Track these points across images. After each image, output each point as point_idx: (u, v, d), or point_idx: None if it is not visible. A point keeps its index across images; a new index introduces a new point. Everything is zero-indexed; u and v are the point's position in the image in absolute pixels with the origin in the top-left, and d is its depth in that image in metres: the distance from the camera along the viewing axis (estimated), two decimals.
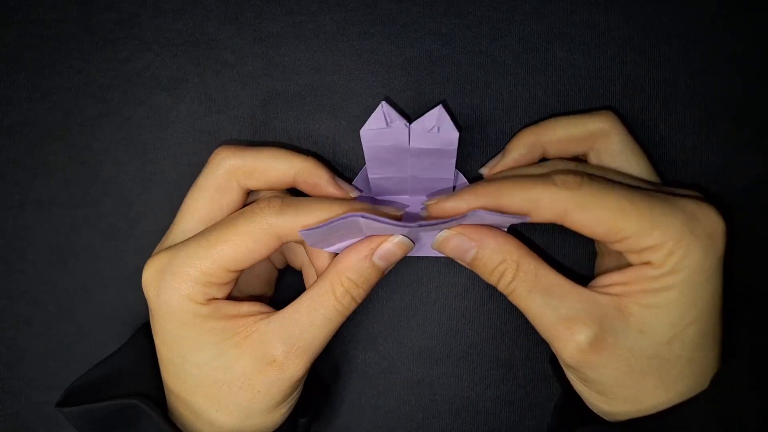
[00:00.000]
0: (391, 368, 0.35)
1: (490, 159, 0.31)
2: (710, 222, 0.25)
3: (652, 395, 0.26)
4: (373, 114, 0.29)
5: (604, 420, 0.28)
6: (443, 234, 0.27)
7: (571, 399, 0.30)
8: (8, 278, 0.35)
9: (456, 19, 0.32)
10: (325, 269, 0.28)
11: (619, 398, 0.26)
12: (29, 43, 0.34)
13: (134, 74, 0.34)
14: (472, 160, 0.33)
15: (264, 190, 0.30)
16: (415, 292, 0.34)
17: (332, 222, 0.26)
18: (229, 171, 0.28)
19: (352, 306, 0.28)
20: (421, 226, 0.26)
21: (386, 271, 0.28)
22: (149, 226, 0.34)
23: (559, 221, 0.26)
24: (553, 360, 0.33)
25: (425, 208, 0.28)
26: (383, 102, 0.29)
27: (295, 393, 0.29)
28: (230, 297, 0.28)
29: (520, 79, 0.32)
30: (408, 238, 0.28)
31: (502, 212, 0.26)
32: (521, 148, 0.29)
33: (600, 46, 0.32)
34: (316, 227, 0.26)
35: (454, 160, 0.30)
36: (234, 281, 0.28)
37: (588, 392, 0.27)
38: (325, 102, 0.33)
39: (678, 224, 0.25)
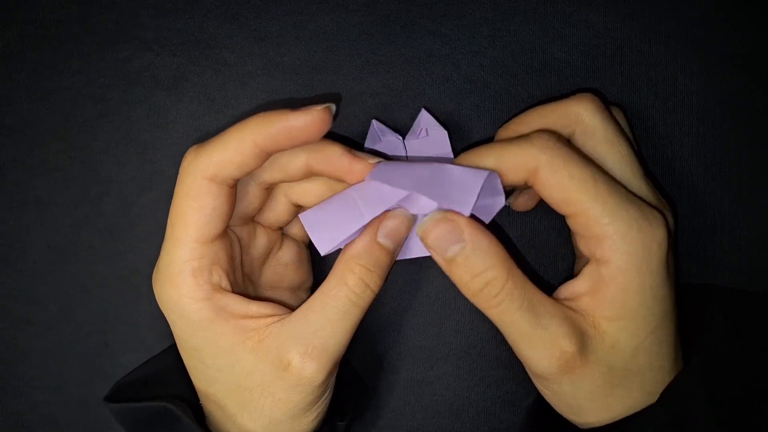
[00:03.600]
0: (391, 368, 0.35)
1: None
2: (654, 228, 0.25)
3: (619, 405, 0.26)
4: (367, 135, 0.30)
5: (575, 428, 0.28)
6: (433, 217, 0.26)
7: (546, 405, 0.30)
8: (8, 278, 0.35)
9: (455, 19, 0.32)
10: (335, 264, 0.27)
11: (588, 410, 0.26)
12: (29, 43, 0.34)
13: (134, 74, 0.34)
14: None
15: (245, 175, 0.27)
16: (416, 291, 0.34)
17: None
18: (197, 173, 0.26)
19: (368, 295, 0.26)
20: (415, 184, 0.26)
21: (395, 253, 0.27)
22: (149, 226, 0.34)
23: (531, 182, 0.26)
24: None
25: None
26: (373, 121, 0.30)
27: (323, 398, 0.27)
28: (252, 296, 0.28)
29: (519, 79, 0.33)
30: (407, 210, 0.27)
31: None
32: None
33: (599, 47, 0.32)
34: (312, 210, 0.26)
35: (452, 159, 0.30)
36: (226, 257, 0.27)
37: (558, 406, 0.27)
38: (325, 102, 0.33)
39: (626, 219, 0.24)
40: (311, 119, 0.25)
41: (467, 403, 0.35)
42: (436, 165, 0.26)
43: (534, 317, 0.25)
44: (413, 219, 0.27)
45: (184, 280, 0.26)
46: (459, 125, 0.33)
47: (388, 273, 0.27)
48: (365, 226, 0.27)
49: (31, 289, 0.35)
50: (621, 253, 0.24)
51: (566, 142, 0.26)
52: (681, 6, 0.32)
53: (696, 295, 0.30)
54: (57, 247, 0.35)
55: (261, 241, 0.30)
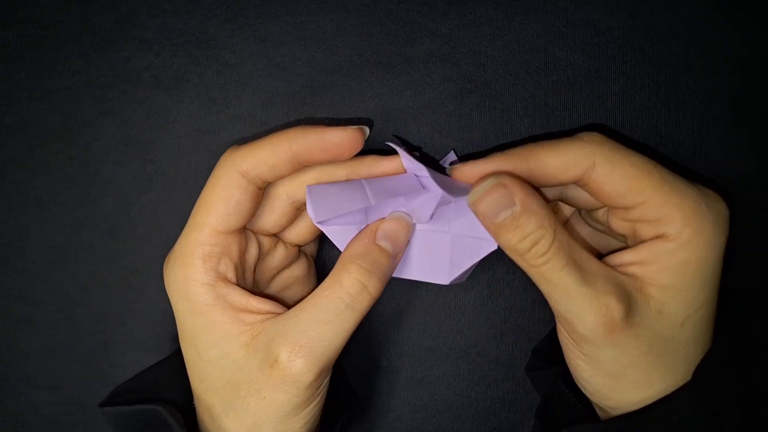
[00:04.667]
0: (391, 368, 0.35)
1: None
2: (719, 204, 0.25)
3: (662, 378, 0.26)
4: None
5: (591, 418, 0.28)
6: (486, 185, 0.25)
7: (551, 404, 0.30)
8: (8, 278, 0.35)
9: (455, 19, 0.32)
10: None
11: (630, 381, 0.26)
12: (29, 43, 0.34)
13: (134, 74, 0.34)
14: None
15: (275, 179, 0.28)
16: (416, 291, 0.34)
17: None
18: (231, 167, 0.27)
19: (365, 298, 0.26)
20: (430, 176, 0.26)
21: (395, 258, 0.27)
22: (149, 226, 0.34)
23: (583, 179, 0.26)
24: (530, 368, 0.33)
25: (449, 171, 0.27)
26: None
27: (312, 405, 0.27)
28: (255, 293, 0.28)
29: (519, 78, 0.32)
30: (407, 214, 0.27)
31: (529, 177, 0.25)
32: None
33: (600, 46, 0.32)
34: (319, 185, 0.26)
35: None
36: (238, 252, 0.27)
37: (596, 378, 0.27)
38: (326, 102, 0.33)
39: (694, 197, 0.25)
40: (346, 136, 0.26)
41: (467, 402, 0.35)
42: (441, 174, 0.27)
43: (580, 274, 0.25)
44: (412, 226, 0.27)
45: (192, 262, 0.26)
46: (459, 125, 0.33)
47: (388, 278, 0.27)
48: (365, 218, 0.27)
49: (31, 289, 0.35)
50: (693, 229, 0.24)
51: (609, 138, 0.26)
52: (682, 5, 0.32)
53: None
54: (57, 247, 0.35)
55: (280, 254, 0.31)
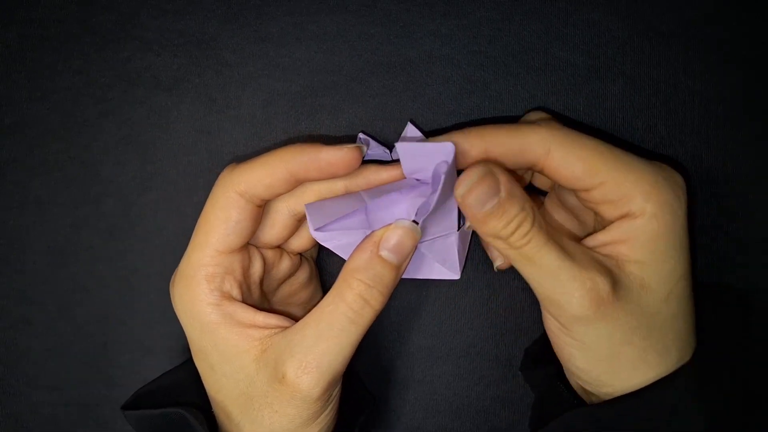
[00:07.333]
0: (391, 367, 0.35)
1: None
2: (675, 176, 0.26)
3: (658, 357, 0.26)
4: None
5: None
6: (474, 176, 0.24)
7: (546, 401, 0.30)
8: (8, 278, 0.35)
9: (455, 19, 0.32)
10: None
11: (626, 362, 0.25)
12: (29, 43, 0.34)
13: (135, 74, 0.34)
14: None
15: (273, 197, 0.28)
16: (415, 291, 0.34)
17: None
18: (229, 187, 0.27)
19: (368, 312, 0.26)
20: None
21: (401, 268, 0.26)
22: (149, 226, 0.34)
23: (539, 164, 0.26)
24: (524, 367, 0.33)
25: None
26: (360, 134, 0.31)
27: (324, 414, 0.27)
28: (262, 308, 0.28)
29: (519, 79, 0.33)
30: (414, 222, 0.26)
31: (484, 158, 0.26)
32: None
33: (600, 46, 0.32)
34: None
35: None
36: (242, 270, 0.28)
37: (591, 364, 0.26)
38: (326, 102, 0.33)
39: (650, 172, 0.25)
40: (342, 155, 0.26)
41: (467, 402, 0.35)
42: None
43: (561, 251, 0.25)
44: (419, 232, 0.26)
45: (197, 283, 0.27)
46: (459, 126, 0.33)
47: (392, 289, 0.27)
48: (367, 225, 0.27)
49: (31, 289, 0.35)
50: (654, 202, 0.25)
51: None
52: (682, 5, 0.32)
53: None
54: (57, 247, 0.35)
55: (285, 264, 0.31)
